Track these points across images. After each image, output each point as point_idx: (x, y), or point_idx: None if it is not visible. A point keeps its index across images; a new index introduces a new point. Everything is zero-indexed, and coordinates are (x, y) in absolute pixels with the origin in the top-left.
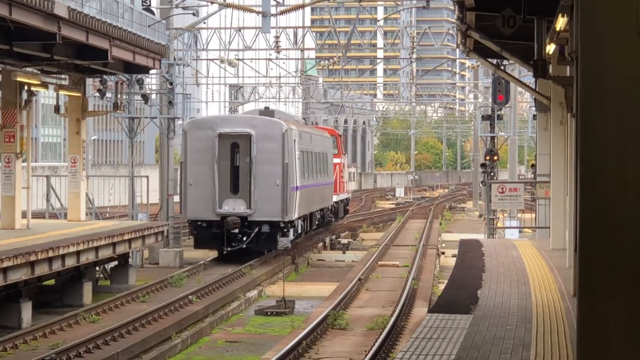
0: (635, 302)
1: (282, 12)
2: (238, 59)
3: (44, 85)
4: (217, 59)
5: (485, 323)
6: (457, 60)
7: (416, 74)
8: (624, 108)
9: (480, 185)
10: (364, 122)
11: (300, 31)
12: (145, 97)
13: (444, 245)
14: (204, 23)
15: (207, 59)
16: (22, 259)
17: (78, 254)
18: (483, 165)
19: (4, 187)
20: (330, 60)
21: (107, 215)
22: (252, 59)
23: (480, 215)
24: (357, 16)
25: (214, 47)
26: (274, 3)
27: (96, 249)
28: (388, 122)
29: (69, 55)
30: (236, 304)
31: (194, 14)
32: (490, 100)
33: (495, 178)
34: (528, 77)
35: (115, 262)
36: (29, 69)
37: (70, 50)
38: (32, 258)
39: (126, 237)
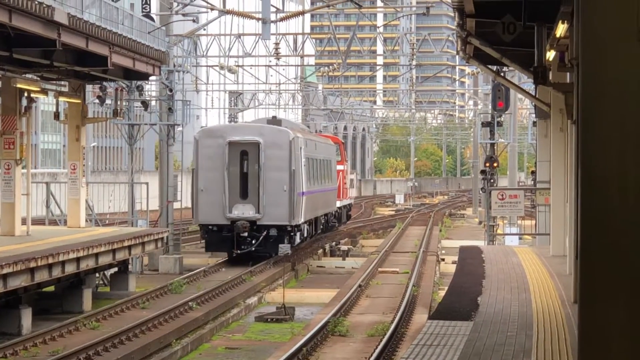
0: (636, 309)
1: (282, 19)
2: (238, 66)
3: (44, 91)
4: (217, 66)
5: (486, 330)
6: (457, 67)
7: (416, 81)
8: (624, 114)
9: (480, 192)
10: (363, 129)
11: (300, 38)
12: (145, 104)
13: (443, 252)
14: (204, 30)
15: (207, 66)
16: (21, 266)
17: (78, 260)
18: (483, 172)
19: (4, 194)
20: (330, 66)
21: (107, 221)
22: (251, 65)
23: (480, 222)
24: (356, 23)
25: (214, 53)
26: (274, 10)
27: (96, 255)
28: (388, 129)
29: (69, 61)
30: (236, 311)
31: (193, 21)
32: (490, 107)
33: (495, 185)
34: (528, 83)
35: (115, 269)
36: (29, 76)
37: (70, 57)
38: (32, 264)
39: (126, 243)
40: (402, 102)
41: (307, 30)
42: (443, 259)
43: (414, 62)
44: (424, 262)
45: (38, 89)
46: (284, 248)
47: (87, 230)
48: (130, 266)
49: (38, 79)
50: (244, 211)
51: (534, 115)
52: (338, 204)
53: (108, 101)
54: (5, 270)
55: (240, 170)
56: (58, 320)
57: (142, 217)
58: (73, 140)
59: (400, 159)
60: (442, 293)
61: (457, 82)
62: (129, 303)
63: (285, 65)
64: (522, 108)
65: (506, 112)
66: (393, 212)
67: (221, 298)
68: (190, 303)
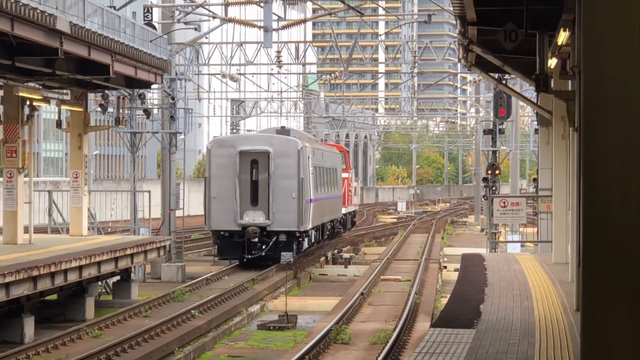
0: (638, 316)
1: (283, 27)
2: (240, 74)
3: (46, 100)
4: (219, 74)
5: (488, 337)
6: (459, 75)
7: (418, 88)
8: (626, 122)
9: (482, 199)
10: (365, 137)
11: (301, 46)
12: (147, 112)
13: (446, 259)
14: (206, 38)
15: (209, 74)
16: (24, 274)
17: (80, 269)
18: (485, 179)
19: (6, 202)
20: (332, 74)
21: (109, 230)
22: (253, 73)
23: (482, 230)
24: (358, 31)
25: (216, 61)
26: (276, 18)
27: (98, 263)
28: (389, 137)
29: (71, 70)
30: (239, 319)
31: (195, 29)
32: (491, 114)
33: (497, 192)
34: (530, 91)
35: (118, 277)
36: (31, 84)
37: (72, 65)
38: (35, 273)
39: (128, 252)
40: (404, 110)
41: (309, 38)
42: (445, 267)
43: (416, 70)
44: (426, 270)
45: (40, 98)
46: (286, 256)
47: (90, 239)
48: (132, 274)
49: (40, 87)
50: (254, 217)
51: (535, 123)
52: (343, 210)
53: (110, 109)
54: (7, 279)
55: (250, 178)
56: (60, 328)
57: (144, 225)
58: (75, 149)
59: (402, 167)
60: (444, 301)
61: (458, 89)
62: (131, 311)
63: (287, 73)
64: (524, 115)
65: (508, 120)
66: (395, 220)
67: (224, 306)
68: (192, 311)
